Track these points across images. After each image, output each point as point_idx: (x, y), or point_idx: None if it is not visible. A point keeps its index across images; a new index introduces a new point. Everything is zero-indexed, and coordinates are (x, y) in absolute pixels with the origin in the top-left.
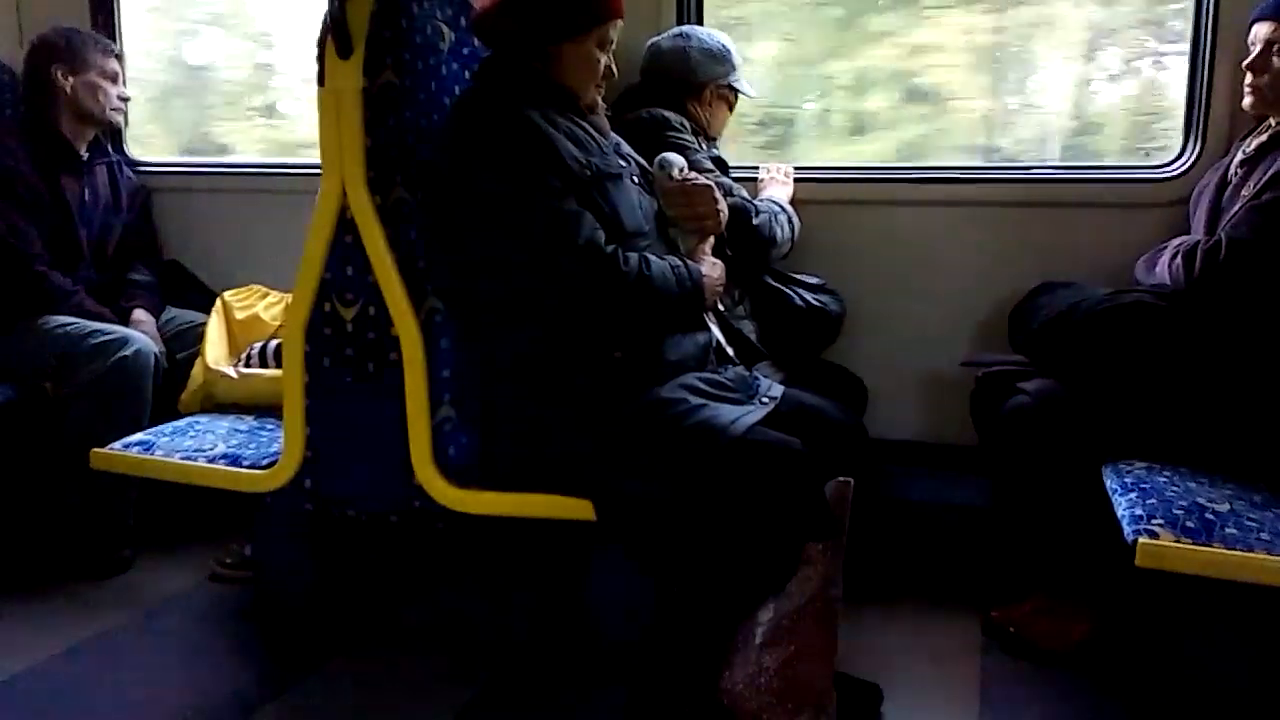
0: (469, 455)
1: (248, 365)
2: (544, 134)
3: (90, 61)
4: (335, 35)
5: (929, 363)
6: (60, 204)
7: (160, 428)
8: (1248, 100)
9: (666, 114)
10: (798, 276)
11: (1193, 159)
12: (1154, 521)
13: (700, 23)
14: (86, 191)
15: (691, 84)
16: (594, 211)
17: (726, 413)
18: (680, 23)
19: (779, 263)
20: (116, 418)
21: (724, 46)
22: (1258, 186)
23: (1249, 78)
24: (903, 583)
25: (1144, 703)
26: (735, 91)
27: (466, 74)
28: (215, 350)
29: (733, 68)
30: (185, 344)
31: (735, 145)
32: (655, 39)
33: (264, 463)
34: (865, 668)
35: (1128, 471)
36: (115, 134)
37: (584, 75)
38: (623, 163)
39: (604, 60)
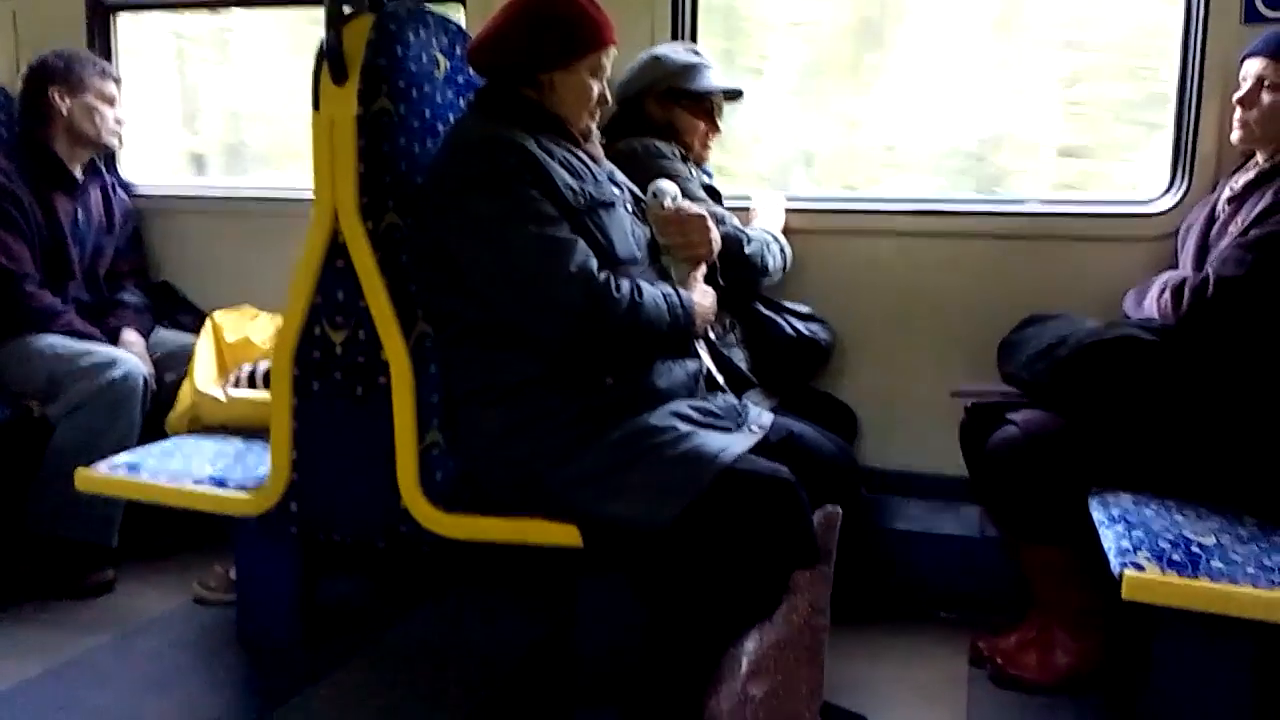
0: (456, 480)
1: (236, 387)
2: (538, 161)
3: (88, 84)
4: (330, 61)
5: (918, 392)
6: (53, 224)
7: (146, 449)
8: (1236, 134)
9: (659, 143)
10: (788, 305)
11: (1180, 195)
12: (1140, 554)
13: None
14: (79, 212)
15: (656, 92)
16: (587, 239)
17: (715, 441)
18: None
19: (770, 291)
20: (104, 439)
21: (687, 58)
22: (1245, 223)
23: (1238, 112)
24: (890, 612)
25: None
26: (714, 105)
27: (461, 102)
28: (204, 372)
29: (696, 72)
30: (174, 365)
31: None
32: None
33: (250, 486)
34: (852, 698)
35: (1114, 503)
36: (109, 155)
37: (577, 103)
38: (616, 190)
39: (597, 88)
